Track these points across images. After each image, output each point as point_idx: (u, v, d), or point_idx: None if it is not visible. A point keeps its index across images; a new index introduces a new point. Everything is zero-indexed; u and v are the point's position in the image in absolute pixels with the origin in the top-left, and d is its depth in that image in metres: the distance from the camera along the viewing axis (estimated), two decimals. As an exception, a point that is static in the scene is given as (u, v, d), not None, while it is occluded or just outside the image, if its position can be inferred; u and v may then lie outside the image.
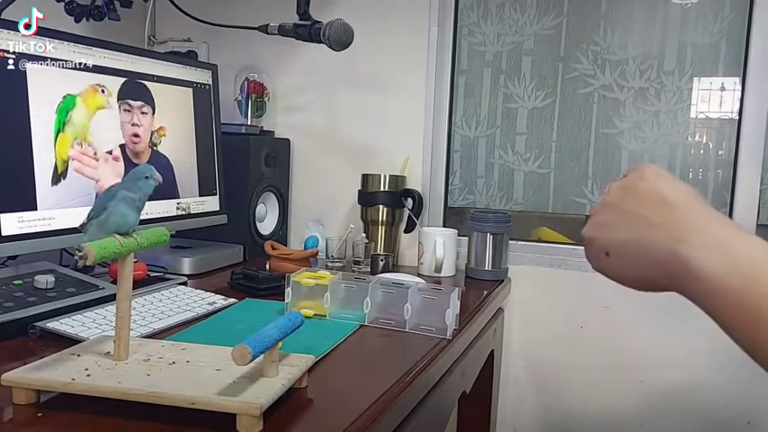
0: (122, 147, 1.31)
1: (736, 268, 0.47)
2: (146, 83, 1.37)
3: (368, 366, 0.96)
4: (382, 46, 1.72)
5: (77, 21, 1.40)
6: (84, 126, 1.22)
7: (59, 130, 1.17)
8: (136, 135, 1.34)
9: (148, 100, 1.38)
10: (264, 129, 1.77)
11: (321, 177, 1.80)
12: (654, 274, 0.52)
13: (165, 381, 0.72)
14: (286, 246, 1.76)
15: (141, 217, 0.83)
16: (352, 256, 1.59)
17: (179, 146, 1.46)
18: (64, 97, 1.17)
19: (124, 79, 1.31)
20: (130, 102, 1.33)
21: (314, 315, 1.11)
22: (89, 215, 0.83)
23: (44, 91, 1.13)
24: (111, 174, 1.27)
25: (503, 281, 1.55)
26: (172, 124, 1.43)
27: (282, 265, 1.46)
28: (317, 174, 1.81)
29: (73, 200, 1.17)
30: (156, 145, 1.41)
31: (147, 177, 0.82)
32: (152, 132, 1.39)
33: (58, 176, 1.16)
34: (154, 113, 1.40)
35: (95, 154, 1.24)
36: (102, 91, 1.24)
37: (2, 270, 1.10)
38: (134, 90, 1.34)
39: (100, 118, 1.24)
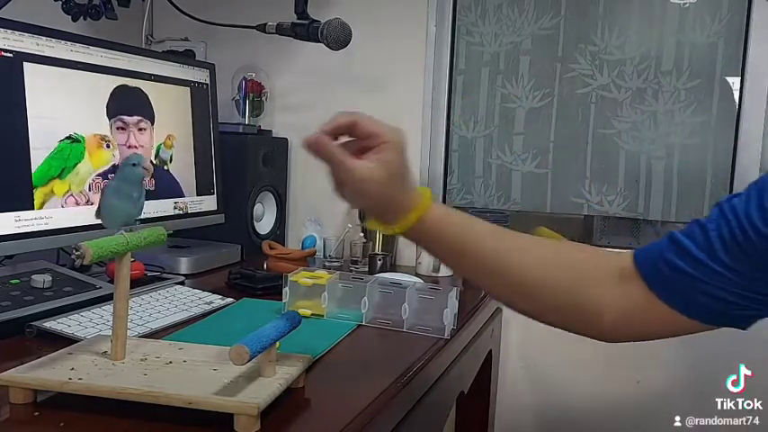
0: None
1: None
2: (142, 88, 1.32)
3: (365, 366, 0.96)
4: (380, 45, 1.72)
5: (75, 20, 1.40)
6: (84, 180, 1.18)
7: (55, 175, 1.12)
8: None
9: (146, 111, 1.32)
10: (262, 128, 1.77)
11: (319, 177, 1.76)
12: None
13: (162, 380, 0.72)
14: (284, 245, 1.76)
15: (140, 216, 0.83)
16: (349, 256, 1.59)
17: (177, 145, 1.45)
18: (70, 143, 1.13)
19: (114, 86, 1.25)
20: (125, 118, 1.24)
21: (311, 315, 1.11)
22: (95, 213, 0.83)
23: (42, 90, 1.13)
24: None
25: (500, 281, 1.54)
26: (170, 125, 1.43)
27: (280, 264, 1.46)
28: (315, 173, 1.78)
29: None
30: (165, 164, 1.37)
31: (134, 165, 0.80)
32: (158, 146, 1.34)
33: (32, 205, 1.10)
34: (153, 124, 1.35)
35: (88, 201, 1.20)
36: (108, 146, 1.18)
37: (-1, 269, 1.10)
38: (128, 101, 1.24)
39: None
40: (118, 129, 1.25)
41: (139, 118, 1.30)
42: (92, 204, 1.19)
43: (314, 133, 0.70)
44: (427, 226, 0.75)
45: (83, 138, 1.17)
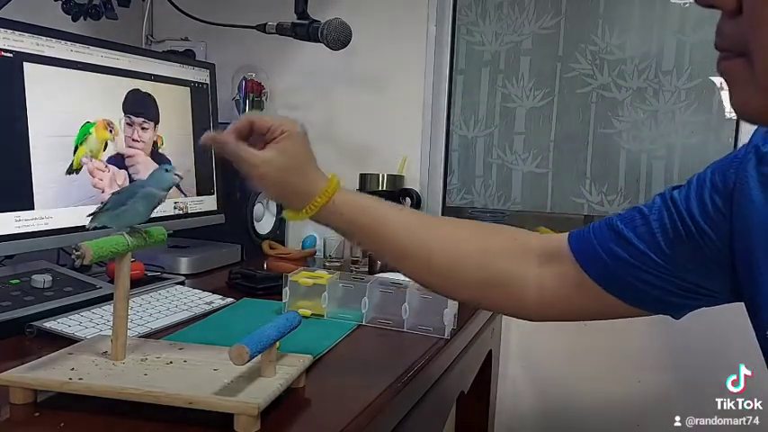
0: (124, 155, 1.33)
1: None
2: (151, 93, 1.38)
3: (366, 366, 0.96)
4: (380, 45, 1.72)
5: (75, 20, 1.40)
6: (98, 149, 1.27)
7: (80, 142, 1.22)
8: (135, 148, 1.36)
9: (151, 113, 1.39)
10: (262, 128, 1.77)
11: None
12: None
13: (163, 380, 0.72)
14: (284, 245, 1.76)
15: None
16: (350, 256, 1.59)
17: (177, 145, 1.45)
18: (83, 125, 1.22)
19: (129, 90, 1.32)
20: (132, 117, 1.34)
21: (312, 315, 1.11)
22: (104, 205, 0.84)
23: (42, 90, 1.13)
24: (114, 183, 1.30)
25: (501, 280, 1.54)
26: (170, 125, 1.43)
27: (280, 264, 1.45)
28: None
29: (75, 199, 1.18)
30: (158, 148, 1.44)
31: (166, 170, 0.85)
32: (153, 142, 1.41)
33: (73, 170, 1.20)
34: (157, 124, 1.40)
35: (106, 166, 1.28)
36: (110, 130, 1.29)
37: (-1, 269, 1.10)
38: (137, 103, 1.35)
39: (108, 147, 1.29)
40: (127, 124, 1.33)
41: (143, 119, 1.37)
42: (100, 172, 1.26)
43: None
44: (337, 210, 0.77)
45: (94, 123, 1.26)
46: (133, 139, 1.34)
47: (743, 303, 0.69)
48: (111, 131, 1.29)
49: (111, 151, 1.29)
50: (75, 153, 1.21)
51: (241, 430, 0.66)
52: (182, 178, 0.88)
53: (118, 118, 1.31)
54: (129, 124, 1.33)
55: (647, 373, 1.61)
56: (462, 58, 1.78)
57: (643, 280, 0.70)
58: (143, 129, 1.37)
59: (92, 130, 1.24)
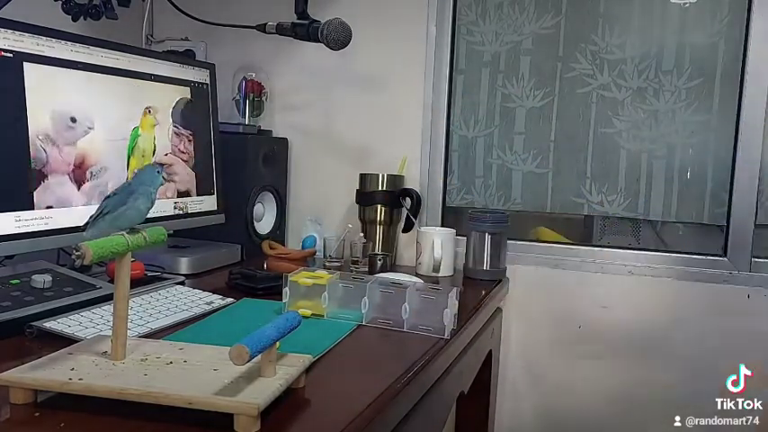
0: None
1: None
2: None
3: (366, 366, 0.96)
4: (380, 45, 1.72)
5: (75, 20, 1.40)
6: (149, 148, 1.35)
7: (130, 154, 1.30)
8: (180, 159, 1.42)
9: (194, 125, 1.47)
10: (262, 128, 1.77)
11: (319, 177, 1.80)
12: None
13: (163, 380, 0.72)
14: (284, 245, 1.76)
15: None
16: (350, 256, 1.59)
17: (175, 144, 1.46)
18: (133, 130, 1.31)
19: (179, 97, 1.40)
20: (180, 127, 1.40)
21: (312, 315, 1.11)
22: (101, 210, 0.85)
23: (41, 90, 1.13)
24: (164, 196, 1.40)
25: (501, 281, 1.55)
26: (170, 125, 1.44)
27: (280, 264, 1.46)
28: (315, 173, 1.80)
29: (75, 200, 1.18)
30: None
31: (158, 172, 0.88)
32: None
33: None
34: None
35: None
36: (149, 111, 1.35)
37: (-1, 269, 1.10)
38: (185, 116, 1.42)
39: (156, 134, 1.37)
40: (175, 133, 1.41)
41: (191, 132, 1.46)
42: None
43: None
44: None
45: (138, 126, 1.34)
46: (180, 150, 1.40)
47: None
48: (150, 112, 1.34)
49: (159, 139, 1.32)
50: (128, 167, 1.26)
51: (241, 430, 0.66)
52: (166, 180, 0.93)
53: (166, 126, 1.37)
54: (177, 134, 1.38)
55: (646, 373, 1.61)
56: (462, 58, 1.77)
57: None
58: (189, 141, 1.43)
59: (139, 131, 1.30)
